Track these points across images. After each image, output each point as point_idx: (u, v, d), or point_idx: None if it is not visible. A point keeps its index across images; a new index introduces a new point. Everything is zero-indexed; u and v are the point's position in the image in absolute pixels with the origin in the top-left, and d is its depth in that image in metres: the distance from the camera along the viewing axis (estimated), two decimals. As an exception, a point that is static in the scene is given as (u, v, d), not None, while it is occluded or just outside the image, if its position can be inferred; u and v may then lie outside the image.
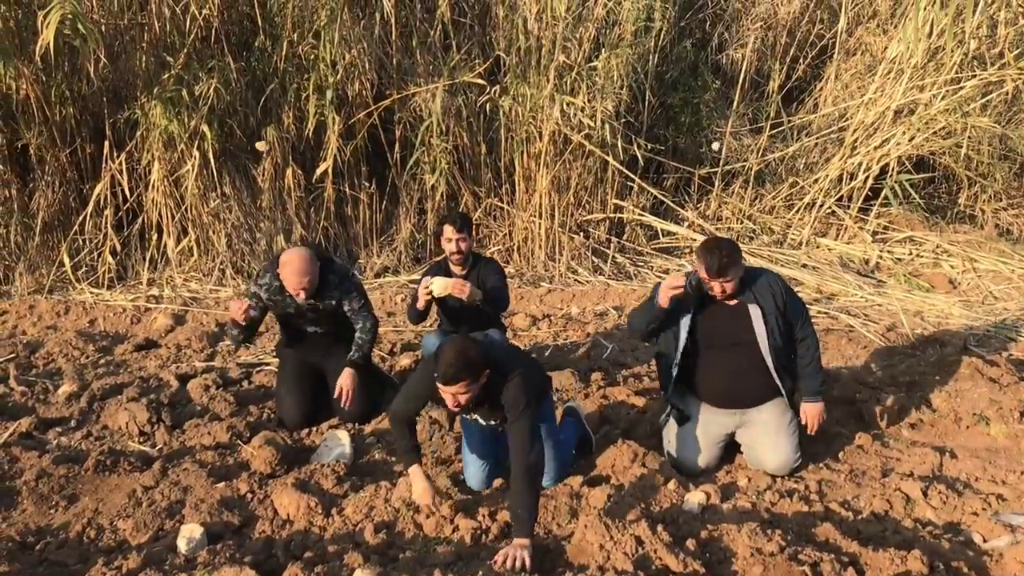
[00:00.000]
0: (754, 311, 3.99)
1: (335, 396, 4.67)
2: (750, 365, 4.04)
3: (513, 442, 3.50)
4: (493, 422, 3.83)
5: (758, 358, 4.02)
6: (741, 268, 3.92)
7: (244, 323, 4.55)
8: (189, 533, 3.51)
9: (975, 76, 8.02)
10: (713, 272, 3.83)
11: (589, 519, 3.42)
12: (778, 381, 4.07)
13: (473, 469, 4.06)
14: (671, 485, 3.96)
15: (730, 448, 4.32)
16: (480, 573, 3.11)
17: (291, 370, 4.89)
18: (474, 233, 5.10)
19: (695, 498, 3.84)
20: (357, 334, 4.79)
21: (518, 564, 3.19)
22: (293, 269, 4.44)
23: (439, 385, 3.42)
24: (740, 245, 8.09)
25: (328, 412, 4.87)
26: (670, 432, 4.28)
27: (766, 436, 4.12)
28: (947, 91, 8.07)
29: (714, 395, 4.18)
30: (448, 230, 4.85)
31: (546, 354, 5.93)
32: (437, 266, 5.09)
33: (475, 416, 3.86)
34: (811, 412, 4.19)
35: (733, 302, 4.01)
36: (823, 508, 3.83)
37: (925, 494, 3.92)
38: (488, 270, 5.00)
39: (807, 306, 4.38)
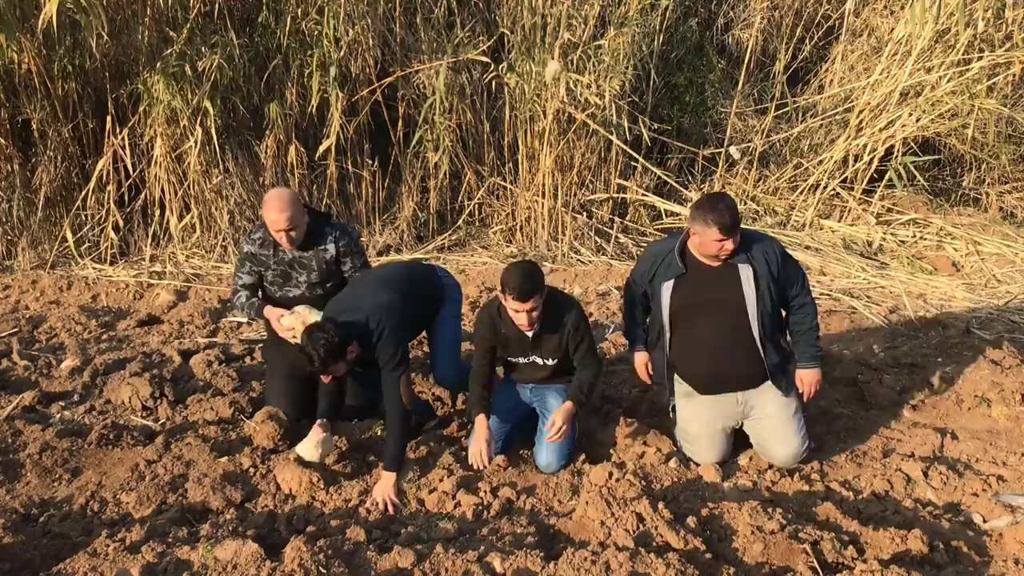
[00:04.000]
0: (745, 271, 3.82)
1: None
2: (735, 336, 3.87)
3: (581, 371, 4.04)
4: (551, 361, 4.06)
5: (744, 326, 3.84)
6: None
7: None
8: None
9: (982, 57, 7.96)
10: (729, 227, 3.68)
11: (590, 496, 3.44)
12: (763, 354, 3.88)
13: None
14: (672, 463, 3.98)
15: (739, 437, 4.23)
16: (482, 548, 3.12)
17: (279, 375, 4.57)
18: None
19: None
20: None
21: (560, 430, 3.85)
22: (272, 206, 4.19)
23: (514, 306, 3.76)
24: (743, 227, 8.10)
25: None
26: (680, 430, 4.18)
27: (774, 430, 3.98)
28: (954, 72, 8.01)
29: (699, 374, 4.03)
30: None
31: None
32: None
33: (533, 358, 4.08)
34: (807, 378, 4.08)
35: (717, 263, 3.85)
36: (824, 488, 3.85)
37: (926, 475, 3.93)
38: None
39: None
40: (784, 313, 4.08)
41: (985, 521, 3.59)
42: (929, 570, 3.13)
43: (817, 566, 3.03)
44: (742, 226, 3.86)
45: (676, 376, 4.13)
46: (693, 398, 4.09)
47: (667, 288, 3.89)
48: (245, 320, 6.20)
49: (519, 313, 3.78)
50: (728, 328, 3.89)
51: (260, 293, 4.62)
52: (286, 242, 4.29)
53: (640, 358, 4.27)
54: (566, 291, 6.97)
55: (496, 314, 3.98)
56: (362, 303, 4.02)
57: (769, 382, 3.99)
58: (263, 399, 4.67)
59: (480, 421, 4.00)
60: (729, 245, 3.75)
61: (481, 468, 3.90)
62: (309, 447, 3.98)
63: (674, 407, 4.19)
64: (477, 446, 3.88)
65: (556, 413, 3.92)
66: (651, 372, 4.23)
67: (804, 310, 4.03)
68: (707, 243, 3.76)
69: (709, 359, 3.97)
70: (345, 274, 4.53)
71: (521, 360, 4.15)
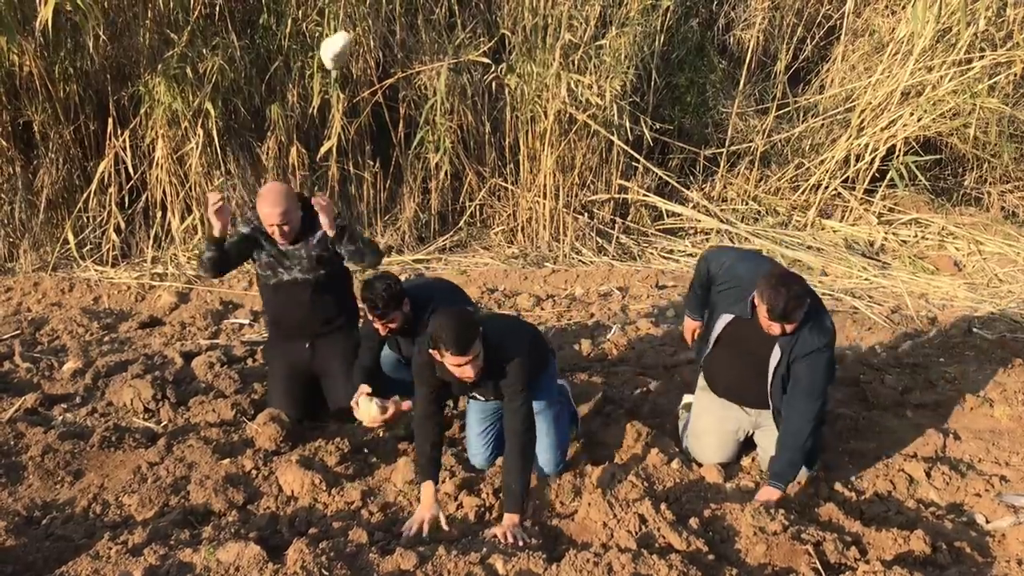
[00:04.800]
0: (775, 356, 3.69)
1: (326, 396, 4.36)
2: (755, 378, 3.81)
3: (509, 421, 3.51)
4: (493, 399, 3.74)
5: (764, 379, 3.79)
6: (804, 309, 3.54)
7: (218, 230, 4.15)
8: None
9: (984, 56, 7.96)
10: (776, 315, 3.46)
11: (592, 497, 3.43)
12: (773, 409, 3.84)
13: (476, 448, 4.05)
14: (674, 464, 3.97)
15: (746, 444, 4.19)
16: (484, 550, 3.12)
17: (280, 377, 4.51)
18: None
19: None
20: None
21: (511, 542, 3.24)
22: (267, 200, 4.06)
23: (454, 361, 3.29)
24: (744, 227, 8.11)
25: (325, 409, 4.56)
26: (689, 428, 4.18)
27: None
28: (956, 72, 8.01)
29: (718, 385, 4.05)
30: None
31: (550, 334, 5.93)
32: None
33: (475, 394, 3.80)
34: (761, 498, 3.58)
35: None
36: (826, 488, 3.84)
37: (928, 475, 3.93)
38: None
39: (829, 380, 3.74)
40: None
41: (988, 522, 3.59)
42: (932, 571, 3.13)
43: (820, 567, 3.02)
44: (814, 307, 3.64)
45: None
46: (709, 392, 4.10)
47: (725, 319, 3.85)
48: (247, 321, 6.20)
49: (462, 367, 3.33)
50: (753, 376, 3.83)
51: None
52: (279, 236, 4.19)
53: (690, 324, 4.35)
54: (567, 293, 6.97)
55: (430, 360, 3.47)
56: (434, 285, 4.33)
57: None
58: (265, 401, 4.67)
59: (426, 491, 3.51)
60: (776, 330, 3.56)
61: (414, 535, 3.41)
62: (366, 410, 3.98)
63: (687, 405, 4.22)
64: (419, 516, 3.45)
65: (498, 529, 3.34)
66: (696, 337, 4.30)
67: (795, 418, 3.65)
68: (760, 315, 3.60)
69: (730, 379, 3.98)
70: (341, 252, 4.29)
71: (463, 397, 3.87)
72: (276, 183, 4.10)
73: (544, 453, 3.88)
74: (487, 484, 3.86)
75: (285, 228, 4.15)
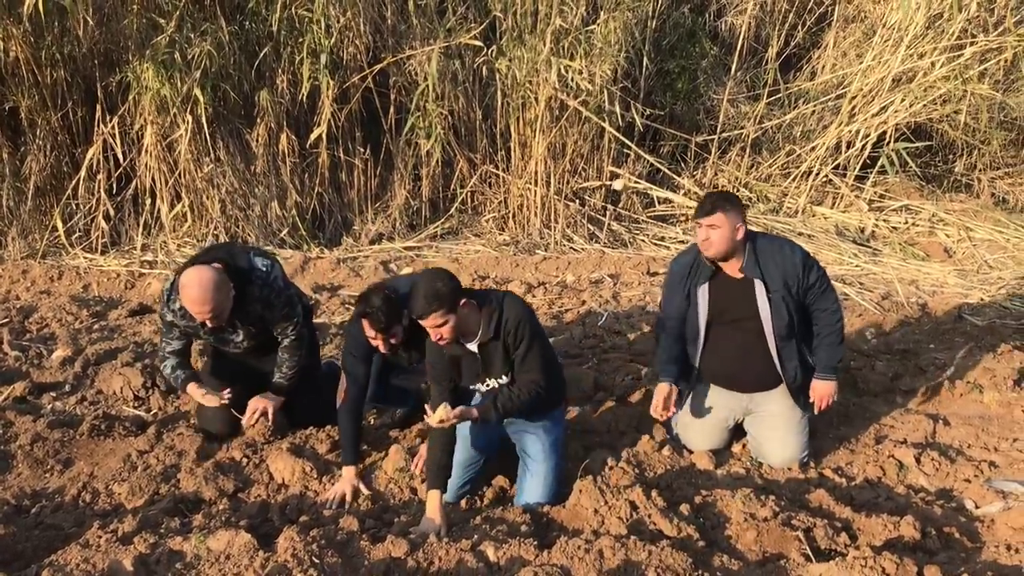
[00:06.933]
0: (759, 287, 3.75)
1: (248, 417, 4.05)
2: (753, 346, 3.83)
3: (521, 380, 3.42)
4: (504, 378, 3.48)
5: (762, 339, 3.81)
6: (733, 219, 3.65)
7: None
8: None
9: (975, 42, 7.95)
10: (702, 211, 3.65)
11: (583, 484, 3.42)
12: (779, 367, 3.85)
13: (461, 456, 3.63)
14: (665, 451, 3.97)
15: (737, 430, 4.18)
16: (475, 537, 3.12)
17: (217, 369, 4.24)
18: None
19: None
20: (279, 352, 4.10)
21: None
22: (190, 297, 3.66)
23: (424, 324, 3.29)
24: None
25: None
26: (680, 415, 4.14)
27: (774, 431, 3.92)
28: (946, 58, 8.00)
29: (717, 375, 4.01)
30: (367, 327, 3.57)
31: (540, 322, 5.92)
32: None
33: (490, 383, 3.50)
34: (819, 391, 3.90)
35: (739, 275, 3.77)
36: (816, 474, 3.85)
37: (918, 461, 3.93)
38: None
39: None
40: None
41: (977, 507, 3.60)
42: (921, 556, 3.13)
43: (810, 552, 3.03)
44: (765, 234, 3.76)
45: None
46: (699, 383, 4.08)
47: (703, 292, 3.83)
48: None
49: (431, 329, 3.30)
50: (747, 339, 3.84)
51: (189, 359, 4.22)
52: (210, 323, 3.81)
53: (664, 388, 3.87)
54: (558, 280, 6.97)
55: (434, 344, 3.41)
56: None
57: (783, 385, 3.93)
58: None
59: (433, 500, 3.38)
60: (702, 233, 3.68)
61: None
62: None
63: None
64: (425, 529, 3.29)
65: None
66: (667, 408, 3.88)
67: (824, 316, 3.85)
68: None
69: (728, 363, 3.95)
70: (272, 329, 4.07)
71: (480, 388, 3.56)
72: (198, 272, 3.67)
73: (537, 489, 3.60)
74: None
75: (218, 319, 3.79)
